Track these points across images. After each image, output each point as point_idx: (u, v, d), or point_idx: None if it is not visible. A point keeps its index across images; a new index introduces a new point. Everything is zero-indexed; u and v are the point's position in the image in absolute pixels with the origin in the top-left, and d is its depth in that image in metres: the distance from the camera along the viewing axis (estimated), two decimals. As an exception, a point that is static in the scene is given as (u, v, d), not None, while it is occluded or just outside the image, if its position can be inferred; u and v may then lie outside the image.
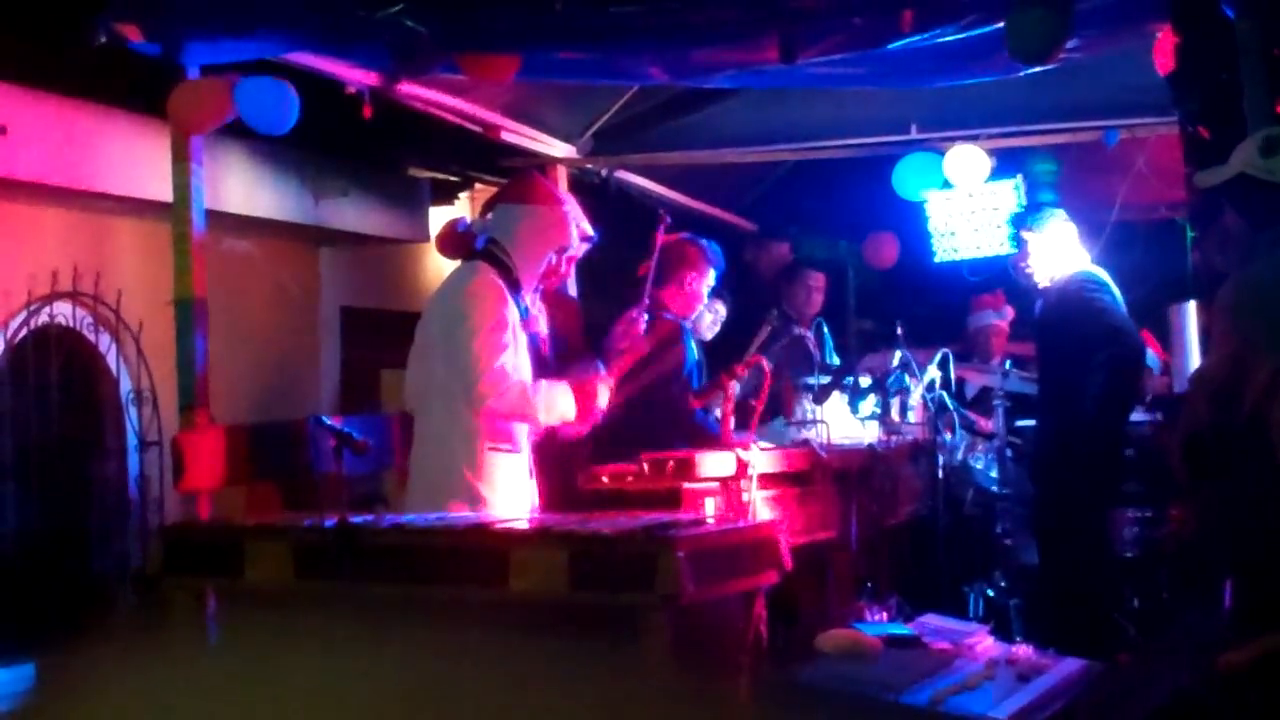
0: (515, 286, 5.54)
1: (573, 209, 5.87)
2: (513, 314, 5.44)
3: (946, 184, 8.88)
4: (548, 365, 5.84)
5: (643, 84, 7.66)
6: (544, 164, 8.59)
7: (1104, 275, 7.43)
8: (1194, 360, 8.14)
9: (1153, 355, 8.77)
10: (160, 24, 6.01)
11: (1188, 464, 5.25)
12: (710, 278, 7.21)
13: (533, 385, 5.44)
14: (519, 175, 6.17)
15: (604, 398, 5.62)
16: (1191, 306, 7.95)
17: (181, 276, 6.28)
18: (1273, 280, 4.55)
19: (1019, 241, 7.64)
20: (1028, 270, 7.57)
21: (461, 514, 5.25)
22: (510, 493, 5.48)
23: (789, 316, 8.64)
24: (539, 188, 5.84)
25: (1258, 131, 4.89)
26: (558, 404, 5.48)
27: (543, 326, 5.91)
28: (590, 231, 5.96)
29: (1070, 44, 5.63)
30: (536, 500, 5.63)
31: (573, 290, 8.42)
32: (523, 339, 5.51)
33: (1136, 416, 8.03)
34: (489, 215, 5.77)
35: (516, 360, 5.41)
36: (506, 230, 5.62)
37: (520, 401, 5.36)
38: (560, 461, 6.00)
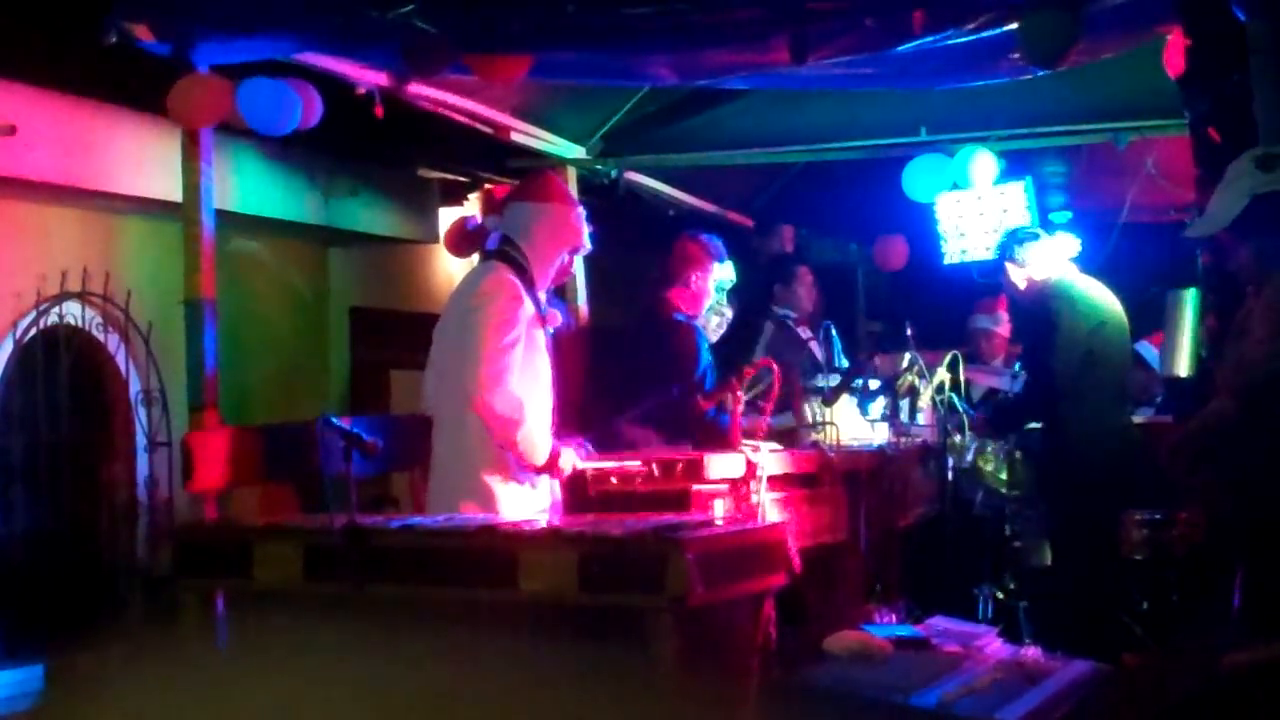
0: (530, 284, 5.55)
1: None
2: (526, 312, 5.45)
3: (956, 186, 8.87)
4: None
5: (653, 85, 7.66)
6: (553, 165, 8.59)
7: (1077, 286, 7.50)
8: (1185, 347, 8.21)
9: (1156, 353, 8.80)
10: (171, 23, 6.02)
11: (1177, 459, 5.25)
12: (716, 272, 7.21)
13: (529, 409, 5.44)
14: (533, 174, 6.18)
15: (568, 467, 5.60)
16: (1189, 294, 7.99)
17: (191, 277, 6.29)
18: None
19: (1001, 268, 7.70)
20: (1013, 291, 7.72)
21: (471, 515, 5.25)
22: (530, 492, 5.48)
23: (785, 317, 8.67)
24: (554, 187, 5.86)
25: (1242, 158, 4.89)
26: (539, 443, 5.47)
27: (556, 320, 5.92)
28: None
29: (1081, 46, 5.62)
30: (559, 496, 5.63)
31: (582, 295, 8.43)
32: (538, 337, 5.51)
33: (1143, 418, 8.07)
34: (502, 213, 5.79)
35: (527, 362, 5.41)
36: (521, 228, 5.63)
37: (513, 410, 5.34)
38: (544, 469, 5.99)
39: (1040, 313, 7.50)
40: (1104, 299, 7.54)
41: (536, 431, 5.45)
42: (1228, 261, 5.14)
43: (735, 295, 8.26)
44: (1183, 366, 8.35)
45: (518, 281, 5.50)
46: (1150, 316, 9.01)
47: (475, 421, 5.41)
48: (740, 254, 8.11)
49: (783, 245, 10.23)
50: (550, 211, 5.67)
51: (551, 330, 5.79)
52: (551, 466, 5.54)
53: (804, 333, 8.71)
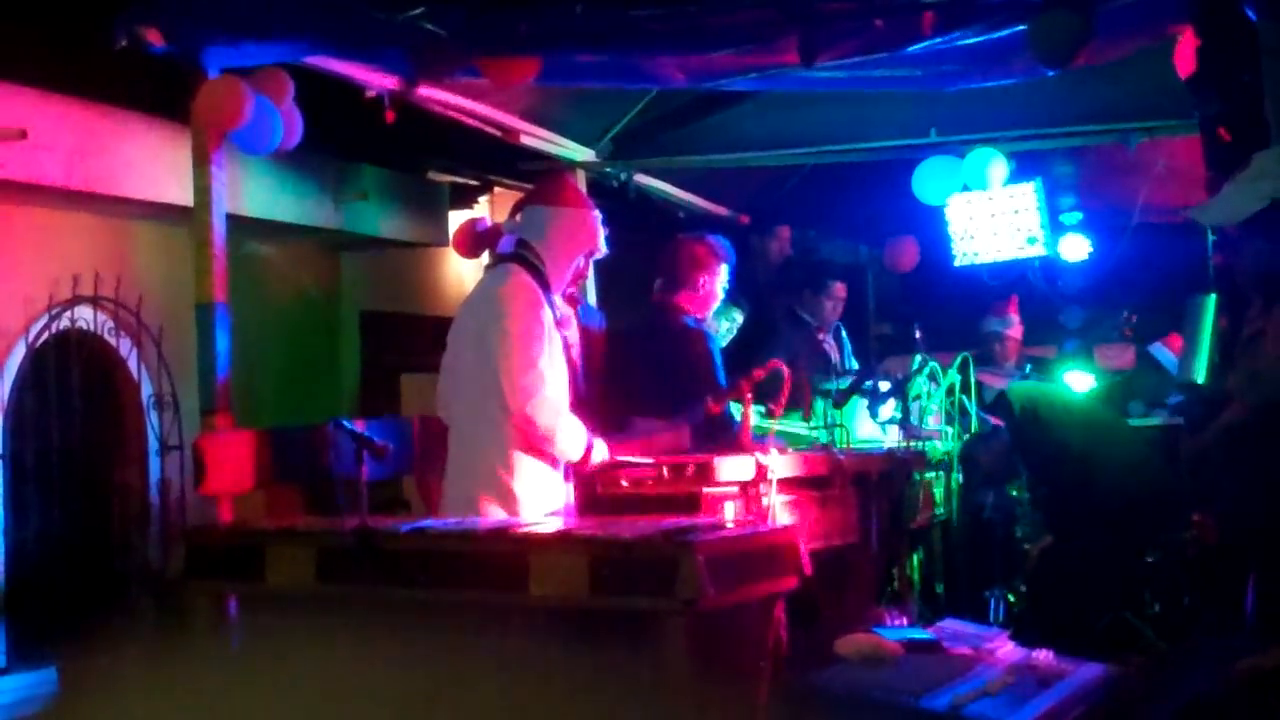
0: (546, 287, 5.56)
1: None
2: (547, 316, 5.47)
3: (966, 187, 8.86)
4: (576, 374, 5.84)
5: (662, 87, 7.65)
6: (563, 167, 8.59)
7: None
8: (1202, 352, 8.22)
9: (1171, 356, 8.80)
10: (181, 27, 6.02)
11: (1200, 470, 5.25)
12: (723, 273, 7.20)
13: (566, 410, 5.49)
14: (549, 176, 6.18)
15: (599, 458, 5.64)
16: (1209, 300, 7.98)
17: (202, 280, 6.29)
18: None
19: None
20: None
21: (482, 519, 5.26)
22: (544, 493, 5.49)
23: (802, 320, 8.67)
24: (570, 190, 5.88)
25: (1271, 155, 4.87)
26: (575, 441, 5.51)
27: (573, 331, 5.93)
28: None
29: (1091, 46, 5.61)
30: (571, 500, 5.63)
31: (593, 298, 8.43)
32: (557, 341, 5.53)
33: (1161, 420, 8.08)
34: (518, 216, 5.79)
35: (551, 366, 5.42)
36: (538, 232, 5.64)
37: (551, 416, 5.39)
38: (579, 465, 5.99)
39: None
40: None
41: (575, 431, 5.49)
42: (1235, 259, 5.13)
43: (750, 298, 8.27)
44: (1200, 372, 8.36)
45: (535, 285, 5.52)
46: (1164, 319, 9.00)
47: (493, 421, 5.43)
48: (747, 255, 8.11)
49: (782, 246, 10.21)
50: (568, 215, 5.69)
51: (574, 334, 5.81)
52: (585, 461, 5.58)
53: (820, 336, 8.70)
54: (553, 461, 5.53)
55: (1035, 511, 7.90)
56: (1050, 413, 7.51)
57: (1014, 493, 8.03)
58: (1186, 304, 8.29)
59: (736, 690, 4.49)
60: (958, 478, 7.39)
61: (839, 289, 8.93)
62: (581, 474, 5.69)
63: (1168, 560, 7.60)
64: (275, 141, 6.37)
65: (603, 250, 5.84)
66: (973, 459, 7.64)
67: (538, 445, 5.44)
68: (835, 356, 8.53)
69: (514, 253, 5.67)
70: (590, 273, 8.26)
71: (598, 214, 5.82)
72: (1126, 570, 7.35)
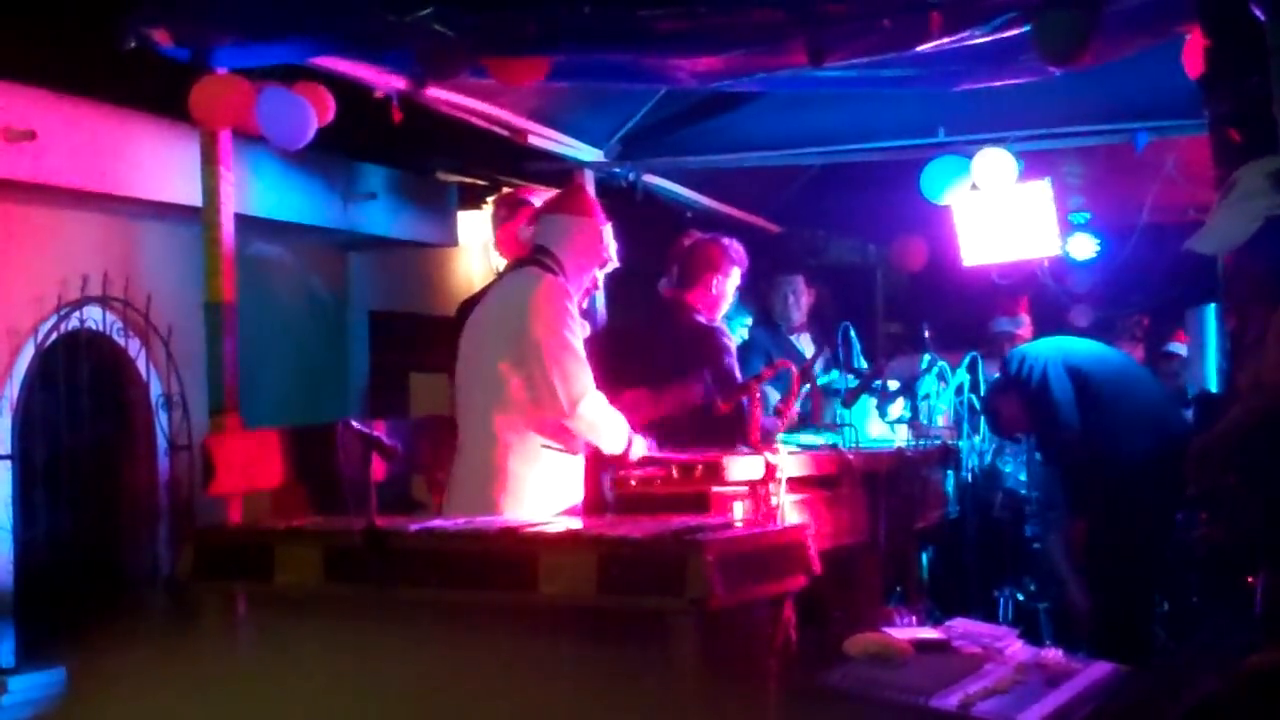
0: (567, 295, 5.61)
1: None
2: (578, 318, 5.53)
3: (975, 187, 8.86)
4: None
5: (671, 87, 7.66)
6: (571, 168, 8.59)
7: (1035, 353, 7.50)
8: (1211, 360, 8.24)
9: (1181, 347, 8.83)
10: (189, 28, 6.03)
11: (1203, 467, 5.24)
12: (735, 276, 7.20)
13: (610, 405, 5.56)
14: (569, 187, 6.24)
15: (639, 451, 5.70)
16: (1210, 310, 7.99)
17: (211, 280, 6.31)
18: None
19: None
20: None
21: (491, 518, 5.26)
22: (554, 492, 5.52)
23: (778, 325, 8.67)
24: (588, 201, 5.96)
25: (1255, 170, 4.86)
26: (619, 436, 5.58)
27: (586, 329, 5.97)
28: None
29: (1100, 46, 5.61)
30: (580, 502, 5.65)
31: (600, 298, 8.43)
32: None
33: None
34: (536, 224, 5.83)
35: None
36: (558, 240, 5.69)
37: (601, 411, 5.50)
38: (588, 464, 6.00)
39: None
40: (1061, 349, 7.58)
41: (619, 425, 5.58)
42: (1237, 278, 5.13)
43: (752, 303, 8.26)
44: (1211, 380, 8.38)
45: (565, 287, 5.57)
46: (1173, 318, 9.00)
47: (509, 424, 5.46)
48: (761, 257, 8.10)
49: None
50: (586, 226, 5.75)
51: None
52: (625, 456, 5.65)
53: (792, 336, 8.68)
54: (568, 460, 5.56)
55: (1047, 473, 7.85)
56: (1069, 362, 7.43)
57: (1023, 492, 8.02)
58: (1185, 316, 8.31)
59: (745, 690, 4.50)
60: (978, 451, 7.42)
61: (786, 282, 8.91)
62: (620, 467, 5.72)
63: (1176, 559, 7.60)
64: (304, 135, 6.41)
65: (615, 263, 5.88)
66: (993, 411, 7.62)
67: (583, 440, 5.54)
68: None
69: (534, 258, 5.70)
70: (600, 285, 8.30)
71: (610, 227, 5.86)
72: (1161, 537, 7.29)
